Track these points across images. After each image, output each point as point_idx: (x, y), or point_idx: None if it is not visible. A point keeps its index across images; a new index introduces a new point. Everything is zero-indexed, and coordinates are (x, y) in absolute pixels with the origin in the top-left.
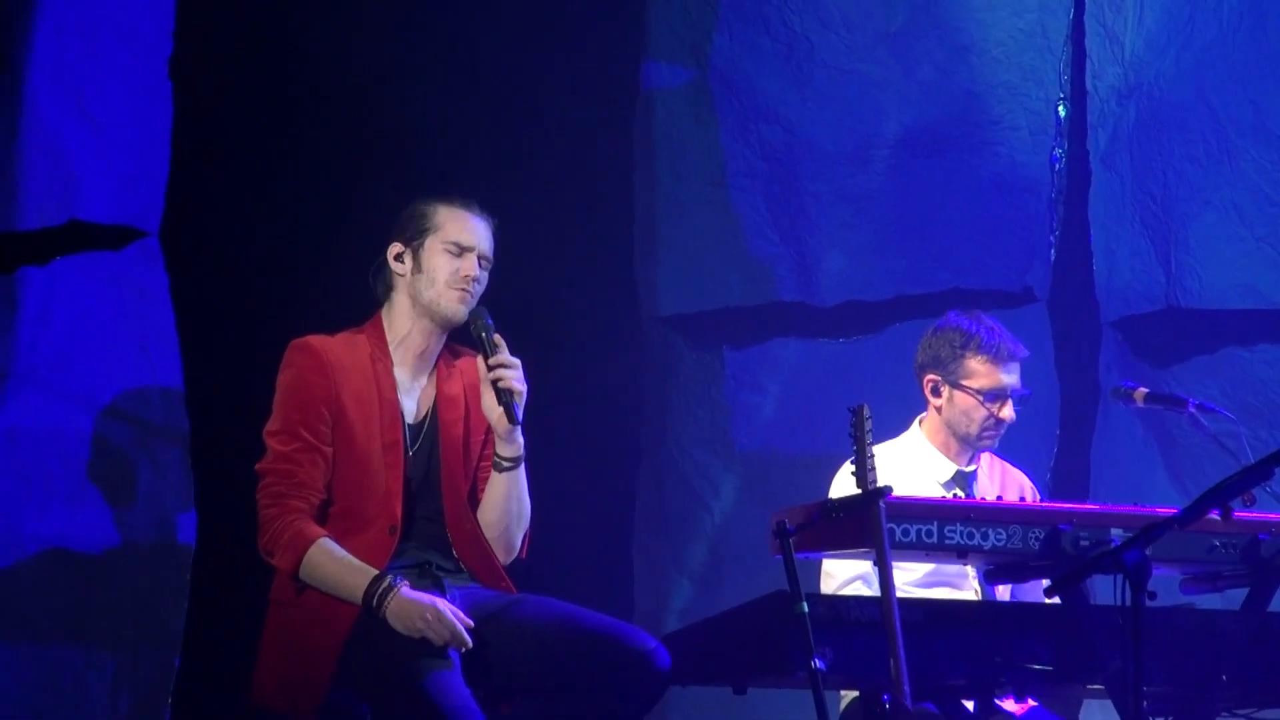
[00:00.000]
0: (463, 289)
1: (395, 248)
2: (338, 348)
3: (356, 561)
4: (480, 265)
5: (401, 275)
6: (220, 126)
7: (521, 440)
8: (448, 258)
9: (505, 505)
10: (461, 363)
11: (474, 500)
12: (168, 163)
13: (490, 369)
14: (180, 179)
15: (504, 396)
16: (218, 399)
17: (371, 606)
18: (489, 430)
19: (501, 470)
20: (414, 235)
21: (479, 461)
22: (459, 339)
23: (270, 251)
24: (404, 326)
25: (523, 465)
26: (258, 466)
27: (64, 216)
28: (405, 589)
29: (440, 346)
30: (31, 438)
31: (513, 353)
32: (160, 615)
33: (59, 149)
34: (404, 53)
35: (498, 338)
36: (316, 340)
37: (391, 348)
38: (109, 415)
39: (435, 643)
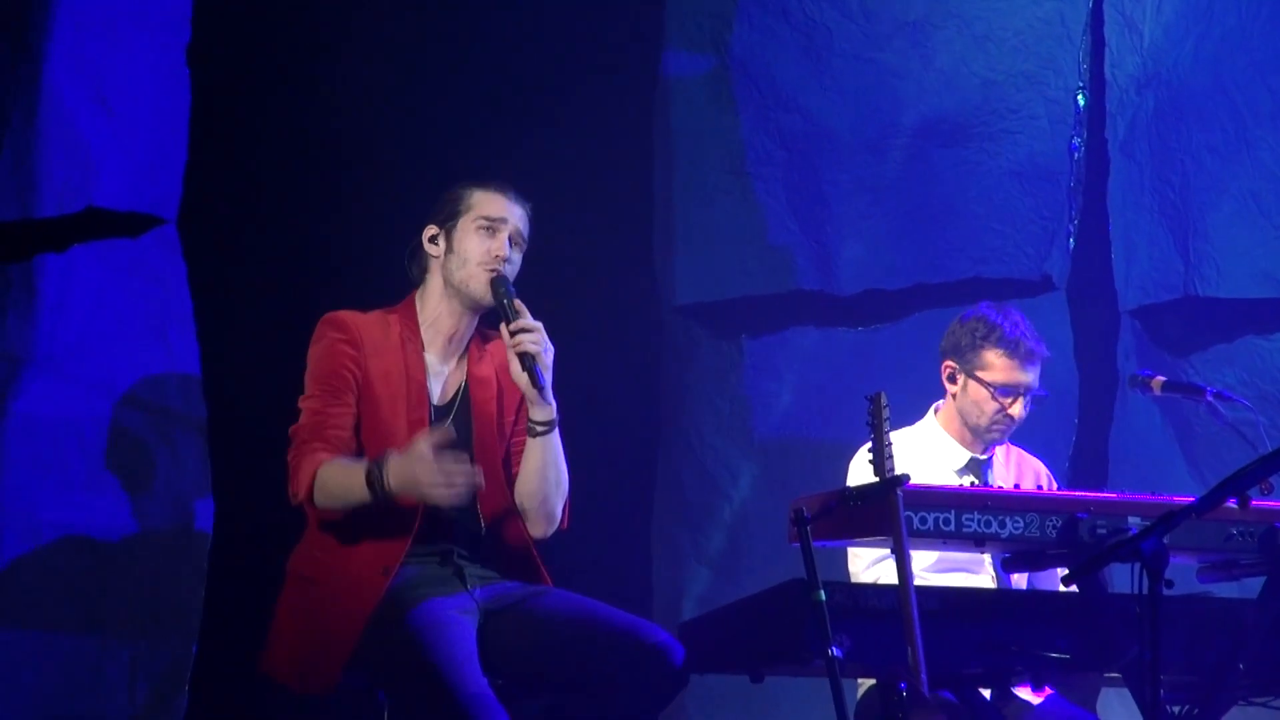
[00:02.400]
0: (493, 269)
1: (430, 229)
2: (368, 324)
3: (358, 463)
4: (512, 244)
5: (435, 257)
6: (238, 114)
7: (553, 404)
8: (480, 236)
9: (543, 472)
10: (492, 346)
11: (509, 477)
12: (186, 150)
13: (512, 334)
14: (198, 166)
15: (526, 361)
16: (235, 386)
17: (378, 493)
18: (520, 408)
19: (535, 435)
20: (448, 216)
21: (511, 438)
22: (491, 323)
23: (288, 239)
24: (435, 308)
25: (557, 430)
26: (290, 429)
27: (82, 203)
28: (391, 457)
29: (471, 330)
30: (49, 425)
31: None
32: (177, 603)
33: (77, 136)
34: (423, 41)
35: (518, 303)
36: (347, 314)
37: (422, 329)
38: (127, 402)
39: (446, 501)
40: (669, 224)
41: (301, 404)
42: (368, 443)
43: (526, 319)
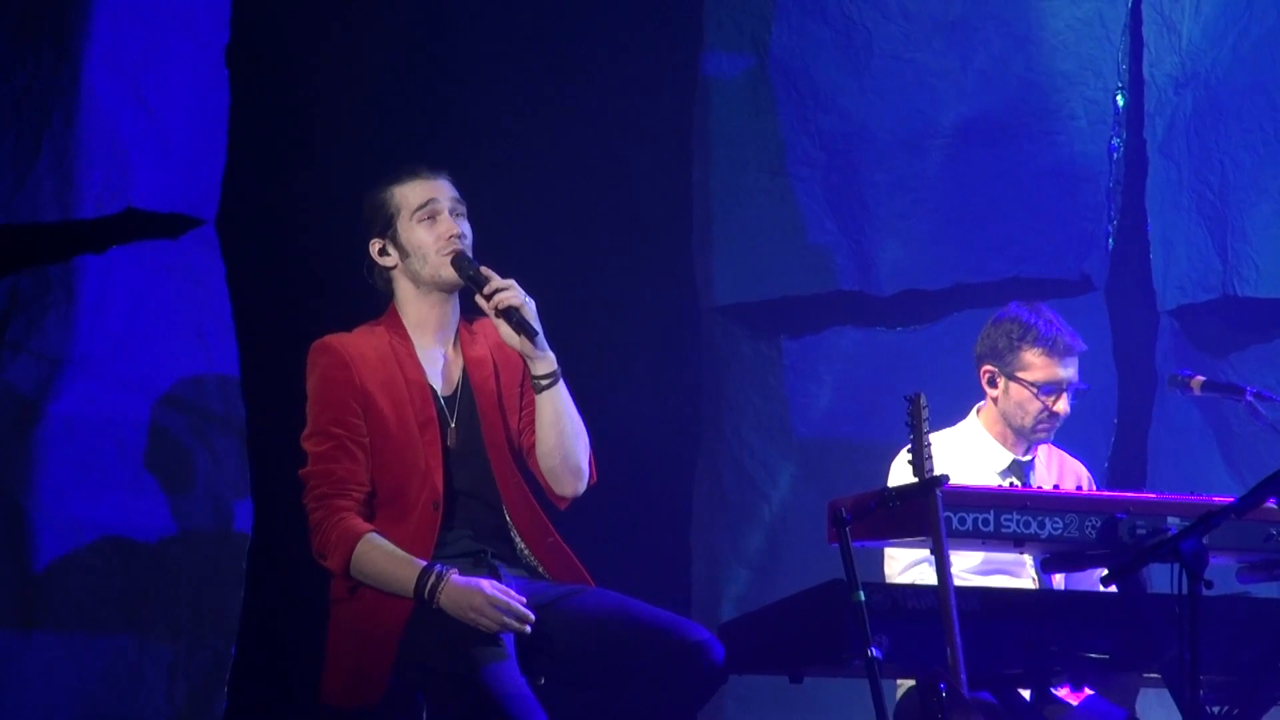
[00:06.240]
0: (452, 249)
1: (375, 244)
2: (357, 340)
3: (405, 554)
4: (455, 216)
5: (393, 266)
6: (277, 114)
7: (551, 355)
8: (424, 227)
9: (558, 424)
10: (478, 325)
11: (520, 460)
12: (224, 151)
13: (488, 298)
14: (237, 167)
15: (512, 315)
16: (274, 387)
17: (424, 599)
18: (523, 382)
19: (542, 390)
20: (384, 225)
21: (521, 412)
22: (468, 307)
23: (327, 239)
24: (415, 308)
25: (562, 381)
26: (300, 472)
27: (121, 205)
28: (455, 577)
29: (455, 315)
30: (88, 426)
31: (571, 343)
32: (216, 604)
33: (116, 137)
34: (461, 42)
35: (484, 270)
36: (335, 338)
37: (410, 331)
38: (166, 403)
39: (489, 631)
40: (707, 224)
41: (305, 445)
42: (381, 453)
43: (497, 279)
